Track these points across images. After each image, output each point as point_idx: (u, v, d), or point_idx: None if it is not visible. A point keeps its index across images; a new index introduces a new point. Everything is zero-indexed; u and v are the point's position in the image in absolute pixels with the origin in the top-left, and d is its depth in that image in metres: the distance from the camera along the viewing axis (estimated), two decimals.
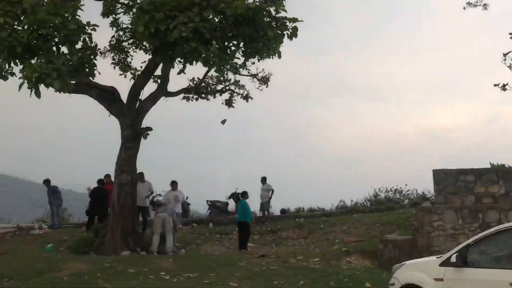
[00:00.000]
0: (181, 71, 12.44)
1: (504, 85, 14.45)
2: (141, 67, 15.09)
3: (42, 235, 14.45)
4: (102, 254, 11.90)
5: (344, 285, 9.24)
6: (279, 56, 11.37)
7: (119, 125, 13.53)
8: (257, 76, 15.53)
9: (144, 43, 13.79)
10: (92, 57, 11.81)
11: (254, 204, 17.99)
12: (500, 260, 6.15)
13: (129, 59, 15.91)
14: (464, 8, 16.76)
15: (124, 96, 13.73)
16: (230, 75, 15.86)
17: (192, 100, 15.95)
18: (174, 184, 14.53)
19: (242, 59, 12.03)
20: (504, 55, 14.48)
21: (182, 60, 11.88)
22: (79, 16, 11.03)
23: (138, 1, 11.98)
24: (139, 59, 15.85)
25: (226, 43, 11.26)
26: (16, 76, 11.10)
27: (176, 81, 16.38)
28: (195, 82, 15.63)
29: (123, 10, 14.86)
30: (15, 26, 10.59)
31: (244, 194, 15.30)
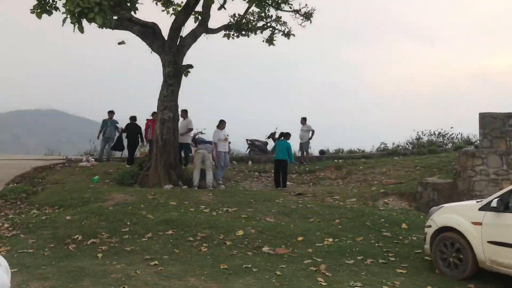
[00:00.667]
0: (222, 6, 12.20)
1: None
2: (182, 2, 14.90)
3: (89, 167, 15.10)
4: (145, 187, 12.39)
5: (380, 225, 9.31)
6: None
7: (161, 62, 13.61)
8: (299, 12, 15.04)
9: None
10: None
11: (293, 144, 18.07)
12: None
13: None
14: None
15: (165, 33, 13.71)
16: (272, 11, 15.46)
17: (232, 38, 15.72)
18: (223, 123, 14.47)
19: None
20: None
21: None
22: None
23: None
24: None
25: None
26: (59, 10, 11.22)
27: (217, 18, 16.13)
28: (236, 18, 15.34)
29: None
30: None
31: (287, 135, 15.35)
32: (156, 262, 7.07)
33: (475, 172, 10.77)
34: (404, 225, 9.38)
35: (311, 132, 18.29)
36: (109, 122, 16.82)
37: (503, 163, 10.64)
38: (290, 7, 15.06)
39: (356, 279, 6.60)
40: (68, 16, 10.00)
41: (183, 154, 15.27)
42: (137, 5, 12.21)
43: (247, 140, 20.62)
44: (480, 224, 6.53)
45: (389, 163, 16.17)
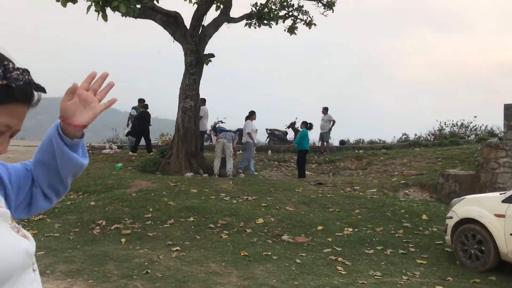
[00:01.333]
0: None
1: None
2: None
3: (112, 155, 15.37)
4: (167, 174, 12.57)
5: (400, 216, 9.28)
6: None
7: (183, 51, 13.70)
8: (321, 1, 14.93)
9: None
10: None
11: (313, 134, 18.06)
12: None
13: None
14: None
15: (187, 22, 13.79)
16: (294, 0, 15.38)
17: (254, 27, 15.72)
18: (254, 114, 14.57)
19: None
20: None
21: None
22: None
23: None
24: None
25: None
26: None
27: (239, 7, 16.11)
28: (257, 8, 15.31)
29: None
30: None
31: (311, 125, 15.33)
32: (178, 247, 7.21)
33: (498, 164, 10.62)
34: (424, 216, 9.34)
35: (332, 122, 18.22)
36: (139, 111, 16.69)
37: None
38: None
39: (375, 268, 6.63)
40: (92, 4, 10.15)
41: None
42: None
43: (266, 129, 20.69)
44: (503, 216, 6.47)
45: (410, 154, 16.03)
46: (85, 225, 8.27)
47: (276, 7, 15.56)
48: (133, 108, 16.80)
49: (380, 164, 15.50)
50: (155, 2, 12.59)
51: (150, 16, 13.29)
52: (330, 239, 7.96)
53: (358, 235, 8.19)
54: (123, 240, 7.63)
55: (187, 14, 13.99)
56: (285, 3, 15.31)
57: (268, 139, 20.44)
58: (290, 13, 15.56)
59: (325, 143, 18.41)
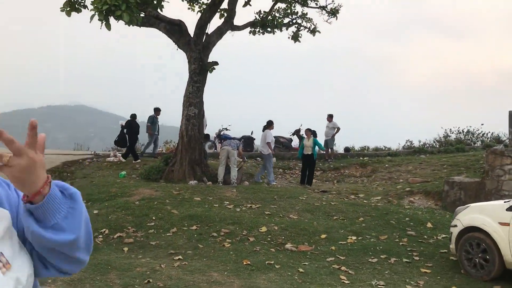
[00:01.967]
0: (247, 3, 12.22)
1: None
2: (208, 0, 15.00)
3: (116, 162, 15.40)
4: (171, 182, 12.57)
5: (405, 224, 9.21)
6: None
7: (186, 59, 13.76)
8: (326, 8, 14.95)
9: None
10: None
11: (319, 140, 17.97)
12: None
13: None
14: None
15: (191, 30, 13.85)
16: (298, 8, 15.42)
17: (258, 34, 15.76)
18: (272, 124, 14.65)
19: None
20: None
21: None
22: None
23: None
24: None
25: None
26: (88, 8, 11.47)
27: (243, 15, 16.16)
28: (261, 15, 15.36)
29: None
30: None
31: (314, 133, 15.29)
32: (180, 256, 7.19)
33: (503, 172, 10.53)
34: (429, 224, 9.26)
35: (336, 129, 18.16)
36: (154, 118, 16.63)
37: None
38: (316, 4, 15.01)
39: (379, 277, 6.57)
40: (96, 13, 10.22)
41: None
42: (163, 3, 12.38)
43: None
44: (508, 224, 6.40)
45: (415, 161, 15.96)
46: None
47: (280, 14, 15.61)
48: (150, 116, 16.74)
49: (385, 171, 15.44)
50: (159, 10, 12.66)
51: (154, 25, 13.37)
52: (333, 248, 7.90)
53: (362, 244, 8.13)
54: (125, 249, 7.62)
55: (191, 22, 14.05)
56: (289, 11, 15.36)
57: (273, 146, 20.41)
58: (294, 21, 15.60)
59: (329, 150, 18.35)
